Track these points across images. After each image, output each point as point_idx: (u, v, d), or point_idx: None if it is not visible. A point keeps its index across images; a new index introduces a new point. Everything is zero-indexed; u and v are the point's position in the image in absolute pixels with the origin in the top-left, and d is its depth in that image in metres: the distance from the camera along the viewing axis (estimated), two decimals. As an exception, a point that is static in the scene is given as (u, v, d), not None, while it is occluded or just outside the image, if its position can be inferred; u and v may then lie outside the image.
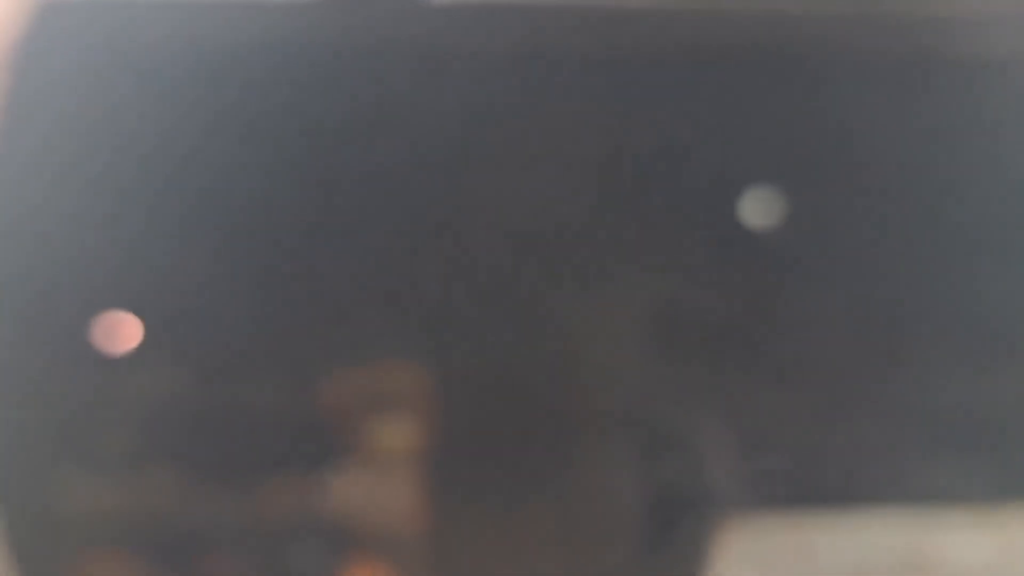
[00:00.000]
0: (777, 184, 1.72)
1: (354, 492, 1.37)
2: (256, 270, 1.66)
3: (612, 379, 1.77)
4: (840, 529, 1.19)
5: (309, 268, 1.69)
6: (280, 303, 1.66)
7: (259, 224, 1.64)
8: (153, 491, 1.34)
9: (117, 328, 1.54)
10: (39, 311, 1.41)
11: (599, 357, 1.82)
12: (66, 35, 1.43)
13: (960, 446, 1.56)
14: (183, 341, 1.50)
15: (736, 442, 1.60)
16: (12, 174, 1.29)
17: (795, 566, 1.17)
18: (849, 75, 1.64)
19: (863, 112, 1.68)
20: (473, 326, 1.73)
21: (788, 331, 1.70)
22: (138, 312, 1.56)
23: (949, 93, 1.62)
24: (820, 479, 1.60)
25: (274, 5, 1.52)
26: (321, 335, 1.57)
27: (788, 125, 1.71)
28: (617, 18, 1.57)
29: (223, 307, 1.60)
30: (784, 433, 1.67)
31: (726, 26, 1.57)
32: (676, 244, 1.80)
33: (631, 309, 1.76)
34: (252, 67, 1.53)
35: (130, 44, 1.48)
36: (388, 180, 1.69)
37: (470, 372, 1.72)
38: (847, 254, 1.75)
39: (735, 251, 1.79)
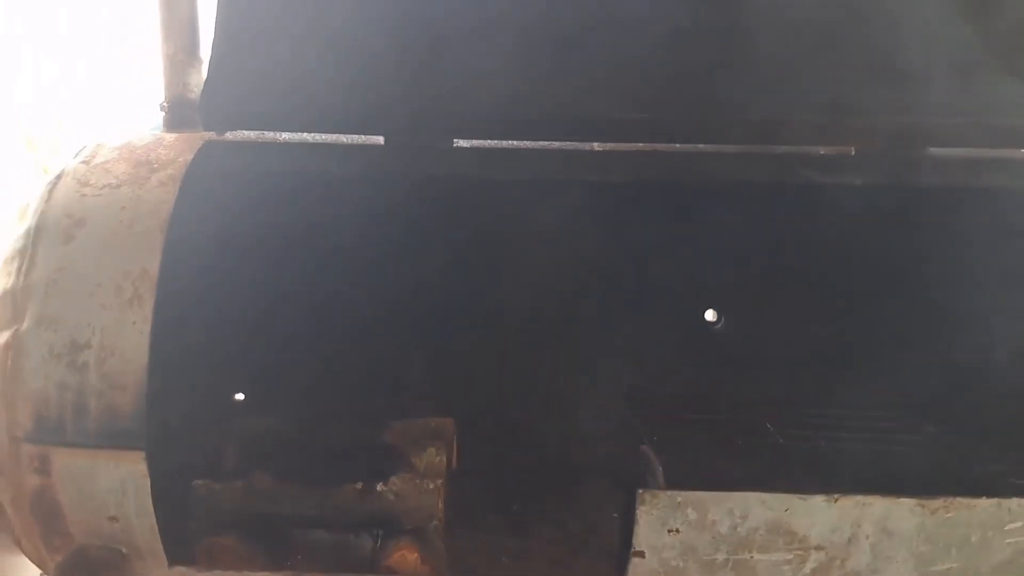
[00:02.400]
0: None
1: (401, 497, 1.85)
2: (335, 352, 2.22)
3: (595, 436, 2.27)
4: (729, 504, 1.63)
5: (372, 352, 2.24)
6: (352, 373, 2.20)
7: (341, 316, 2.17)
8: (256, 491, 1.82)
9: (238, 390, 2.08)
10: (188, 381, 1.93)
11: (587, 421, 2.32)
12: (220, 163, 1.92)
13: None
14: (286, 398, 2.03)
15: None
16: (178, 278, 1.76)
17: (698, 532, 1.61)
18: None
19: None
20: (492, 393, 2.23)
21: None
22: (251, 377, 2.09)
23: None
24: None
25: (346, 146, 2.02)
26: (382, 397, 2.11)
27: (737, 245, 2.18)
28: (604, 157, 2.06)
29: (314, 378, 2.14)
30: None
31: (691, 163, 2.04)
32: (648, 337, 2.28)
33: (612, 385, 2.24)
34: (339, 191, 2.04)
35: (260, 170, 2.02)
36: (428, 282, 2.20)
37: (487, 424, 2.20)
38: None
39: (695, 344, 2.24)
